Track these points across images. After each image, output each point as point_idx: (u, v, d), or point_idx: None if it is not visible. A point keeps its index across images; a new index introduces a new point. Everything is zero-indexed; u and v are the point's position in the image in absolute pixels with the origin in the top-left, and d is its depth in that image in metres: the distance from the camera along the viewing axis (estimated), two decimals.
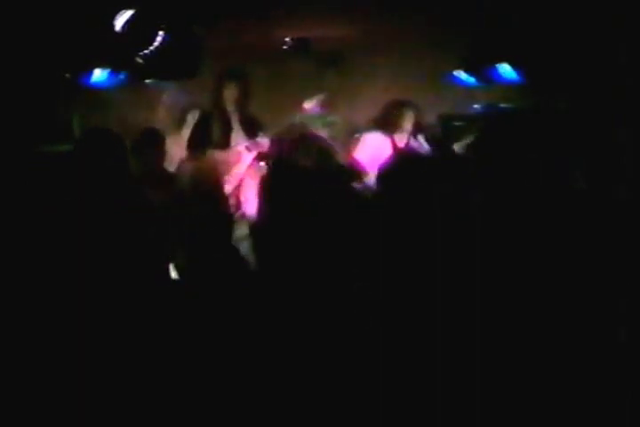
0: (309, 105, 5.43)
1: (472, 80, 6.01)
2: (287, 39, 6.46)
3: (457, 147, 4.82)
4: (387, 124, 5.17)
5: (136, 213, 2.88)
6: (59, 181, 3.20)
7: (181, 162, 4.19)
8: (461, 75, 6.10)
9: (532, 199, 2.79)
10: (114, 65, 5.03)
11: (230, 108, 5.05)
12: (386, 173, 3.00)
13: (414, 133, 5.21)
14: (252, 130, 5.08)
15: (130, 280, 2.70)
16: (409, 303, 2.51)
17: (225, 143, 5.03)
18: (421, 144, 5.19)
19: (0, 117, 4.49)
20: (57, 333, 2.62)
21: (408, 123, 5.17)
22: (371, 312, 2.52)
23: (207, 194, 3.22)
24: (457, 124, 5.91)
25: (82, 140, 3.31)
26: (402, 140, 5.18)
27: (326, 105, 5.52)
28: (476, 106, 6.19)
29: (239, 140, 5.06)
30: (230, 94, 5.02)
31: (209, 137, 4.96)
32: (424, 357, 2.45)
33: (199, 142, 4.89)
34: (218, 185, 3.34)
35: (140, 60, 4.95)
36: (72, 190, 2.94)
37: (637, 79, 3.05)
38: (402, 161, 3.21)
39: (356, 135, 5.91)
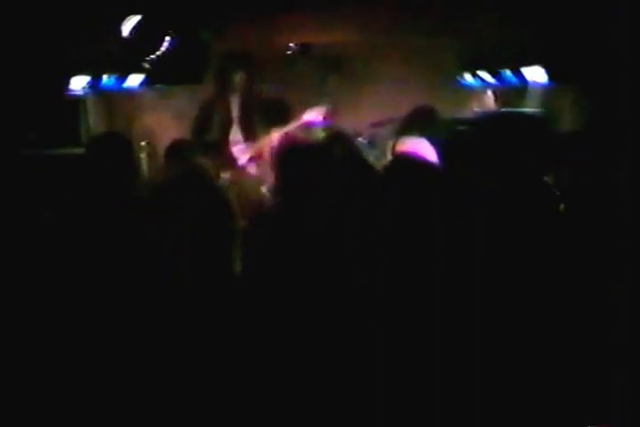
0: (310, 116, 4.95)
1: (475, 83, 6.06)
2: (291, 44, 6.51)
3: None
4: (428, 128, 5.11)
5: (137, 214, 2.90)
6: (65, 184, 3.24)
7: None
8: (464, 78, 6.16)
9: (531, 199, 2.83)
10: (121, 70, 5.10)
11: (235, 95, 5.01)
12: (390, 174, 3.04)
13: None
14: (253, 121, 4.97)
15: (130, 280, 2.72)
16: (410, 303, 2.55)
17: (224, 136, 4.97)
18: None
19: (7, 121, 4.54)
20: (57, 332, 2.63)
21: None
22: (372, 311, 2.55)
23: (206, 192, 3.22)
24: (459, 128, 5.92)
25: (92, 144, 3.35)
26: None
27: (329, 116, 5.40)
28: (478, 110, 6.23)
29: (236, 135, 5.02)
30: (238, 79, 4.97)
31: (212, 125, 4.94)
32: (424, 356, 2.48)
33: (202, 131, 4.89)
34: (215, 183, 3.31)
35: (147, 66, 5.01)
36: (78, 192, 2.98)
37: (637, 79, 3.08)
38: (406, 162, 3.26)
39: (359, 139, 5.92)
